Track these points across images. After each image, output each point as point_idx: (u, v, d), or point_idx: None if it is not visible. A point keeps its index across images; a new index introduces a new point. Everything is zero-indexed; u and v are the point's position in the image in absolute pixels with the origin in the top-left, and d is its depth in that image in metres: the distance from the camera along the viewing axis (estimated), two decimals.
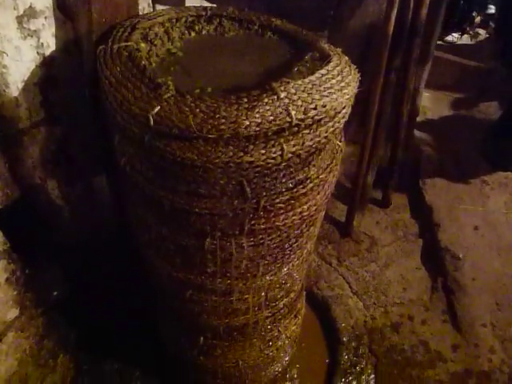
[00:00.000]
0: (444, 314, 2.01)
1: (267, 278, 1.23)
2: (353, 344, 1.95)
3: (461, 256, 2.14)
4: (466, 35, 3.61)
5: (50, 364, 1.46)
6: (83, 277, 1.49)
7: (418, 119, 2.80)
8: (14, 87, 1.01)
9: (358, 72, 1.03)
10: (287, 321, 1.54)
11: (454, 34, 3.58)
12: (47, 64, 1.06)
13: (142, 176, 0.98)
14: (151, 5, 1.47)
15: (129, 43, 0.99)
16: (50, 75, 1.08)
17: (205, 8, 1.22)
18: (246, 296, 1.28)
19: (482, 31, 3.76)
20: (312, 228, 1.23)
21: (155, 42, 1.08)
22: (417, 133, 2.77)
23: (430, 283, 2.13)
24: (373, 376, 1.85)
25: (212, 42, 1.18)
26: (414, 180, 2.56)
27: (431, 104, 2.94)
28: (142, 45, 1.03)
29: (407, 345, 1.92)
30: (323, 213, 1.28)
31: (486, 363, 1.81)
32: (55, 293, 1.41)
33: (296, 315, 1.59)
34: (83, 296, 1.52)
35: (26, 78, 1.03)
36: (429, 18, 2.06)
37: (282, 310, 1.46)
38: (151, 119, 0.84)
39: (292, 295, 1.46)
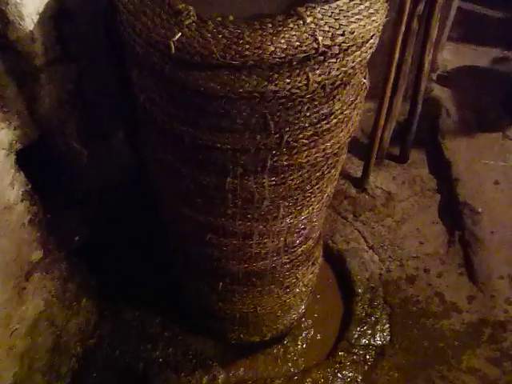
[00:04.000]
0: (460, 267, 2.00)
1: (287, 220, 1.22)
2: (368, 295, 1.97)
3: (480, 210, 2.11)
4: None
5: (74, 307, 1.51)
6: (103, 222, 1.51)
7: (439, 72, 2.71)
8: (29, 20, 0.98)
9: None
10: (305, 268, 1.55)
11: None
12: None
13: (162, 111, 0.96)
14: None
15: None
16: (64, 8, 1.04)
17: None
18: (266, 240, 1.28)
19: None
20: (333, 171, 1.21)
21: None
22: (437, 86, 2.68)
23: (446, 237, 2.12)
24: (387, 326, 1.87)
25: None
26: (433, 135, 2.50)
27: (452, 57, 2.83)
28: None
29: (422, 296, 1.93)
30: (345, 156, 1.25)
31: (501, 314, 1.82)
32: (77, 237, 1.43)
33: (313, 263, 1.60)
34: (104, 242, 1.55)
35: (40, 11, 1.00)
36: None
37: (300, 257, 1.46)
38: (172, 46, 0.81)
39: (310, 242, 1.46)
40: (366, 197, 2.32)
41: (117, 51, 1.07)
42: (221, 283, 1.47)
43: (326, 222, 2.17)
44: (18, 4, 0.95)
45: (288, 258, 1.41)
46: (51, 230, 1.30)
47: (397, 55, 2.01)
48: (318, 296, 1.99)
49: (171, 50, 0.81)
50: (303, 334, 1.86)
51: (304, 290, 1.65)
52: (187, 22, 0.82)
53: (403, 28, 1.96)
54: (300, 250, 1.42)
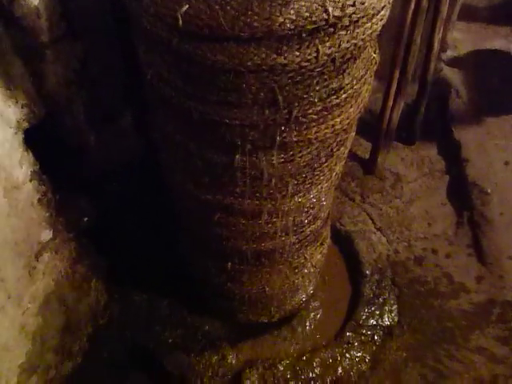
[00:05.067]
0: (469, 248, 2.00)
1: (296, 199, 1.22)
2: (376, 277, 1.97)
3: (489, 191, 2.09)
4: None
5: (84, 287, 1.52)
6: (112, 203, 1.51)
7: (449, 53, 2.66)
8: None
9: None
10: (313, 248, 1.55)
11: None
12: None
13: (169, 86, 0.95)
14: None
15: None
16: None
17: None
18: (275, 219, 1.28)
19: None
20: (342, 148, 1.20)
21: None
22: (446, 67, 2.63)
23: (455, 218, 2.11)
24: (395, 306, 1.88)
25: None
26: (442, 116, 2.46)
27: (463, 36, 2.77)
28: None
29: (430, 277, 1.93)
30: (353, 133, 1.24)
31: (510, 294, 1.82)
32: (85, 219, 1.44)
33: (322, 243, 1.60)
34: (112, 223, 1.55)
35: None
36: None
37: (309, 237, 1.46)
38: (180, 19, 0.80)
39: (319, 222, 1.45)
40: (374, 178, 2.31)
41: (123, 27, 1.05)
42: (229, 263, 1.47)
43: (333, 204, 2.17)
44: None
45: (297, 238, 1.41)
46: (60, 211, 1.31)
47: (405, 34, 1.97)
48: (326, 277, 1.99)
49: (178, 22, 0.80)
50: (311, 315, 1.87)
51: (312, 270, 1.66)
52: None
53: (413, 5, 1.92)
54: (308, 229, 1.42)
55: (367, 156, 2.32)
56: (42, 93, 1.10)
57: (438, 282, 1.91)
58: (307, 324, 1.85)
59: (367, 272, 1.97)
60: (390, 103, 2.18)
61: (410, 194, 2.22)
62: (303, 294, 1.77)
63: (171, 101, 0.96)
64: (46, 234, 1.27)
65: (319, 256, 1.64)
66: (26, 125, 1.09)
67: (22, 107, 1.06)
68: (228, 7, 0.79)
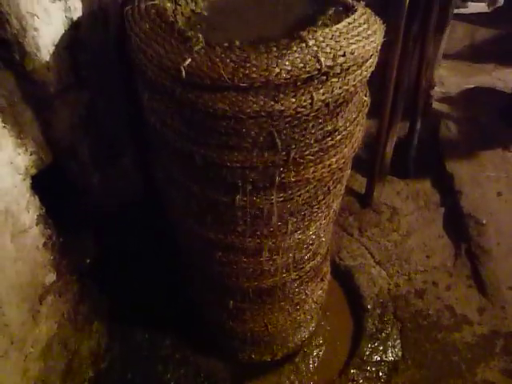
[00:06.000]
0: (469, 279, 2.01)
1: (296, 236, 1.25)
2: (377, 311, 1.96)
3: (484, 222, 2.12)
4: (483, 3, 3.53)
5: (86, 329, 1.51)
6: (114, 244, 1.53)
7: (437, 89, 2.77)
8: (45, 51, 1.04)
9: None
10: (314, 284, 1.56)
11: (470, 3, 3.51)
12: (75, 27, 1.08)
13: (173, 132, 1.00)
14: None
15: (155, 1, 1.01)
16: (78, 38, 1.10)
17: None
18: (275, 256, 1.30)
19: None
20: (339, 186, 1.24)
21: (180, 2, 1.09)
22: (435, 103, 2.74)
23: (453, 250, 2.13)
24: (399, 341, 1.86)
25: (234, 1, 1.18)
26: (434, 149, 2.54)
27: (449, 74, 2.90)
28: (168, 4, 1.04)
29: (432, 310, 1.93)
30: (349, 171, 1.29)
31: None
32: (88, 260, 1.46)
33: (322, 279, 1.61)
34: (114, 263, 1.56)
35: (55, 42, 1.06)
36: None
37: (309, 273, 1.48)
38: (183, 71, 0.86)
39: (318, 258, 1.48)
40: (371, 212, 2.34)
41: (128, 76, 1.12)
42: (231, 301, 1.47)
43: (332, 239, 2.19)
44: (36, 36, 1.00)
45: (297, 275, 1.43)
46: (64, 253, 1.33)
47: (394, 74, 2.07)
48: (328, 313, 1.99)
49: (182, 74, 0.86)
50: (314, 352, 1.85)
51: (314, 306, 1.66)
52: (196, 48, 0.87)
53: (399, 48, 2.03)
54: (309, 265, 1.44)
55: (363, 191, 2.37)
56: (50, 139, 1.15)
57: (440, 315, 1.91)
58: (310, 361, 1.82)
59: (369, 306, 1.97)
60: (383, 139, 2.26)
61: (407, 226, 2.25)
62: (305, 331, 1.76)
63: (174, 144, 1.01)
64: (50, 277, 1.28)
65: (320, 292, 1.64)
66: (33, 171, 1.13)
67: (30, 154, 1.10)
68: (228, 60, 0.86)
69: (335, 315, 2.01)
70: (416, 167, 2.47)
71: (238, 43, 0.93)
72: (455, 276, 2.03)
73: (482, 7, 3.56)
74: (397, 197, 2.40)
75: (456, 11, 3.33)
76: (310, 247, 1.36)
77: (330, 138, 1.02)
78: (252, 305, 1.48)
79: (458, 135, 2.57)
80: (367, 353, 1.81)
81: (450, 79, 2.84)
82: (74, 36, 1.09)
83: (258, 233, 1.19)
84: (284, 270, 1.37)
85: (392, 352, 1.82)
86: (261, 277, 1.36)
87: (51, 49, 1.05)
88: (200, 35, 0.90)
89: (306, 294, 1.54)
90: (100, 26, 1.12)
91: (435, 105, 2.74)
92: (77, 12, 1.07)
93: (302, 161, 1.01)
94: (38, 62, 1.04)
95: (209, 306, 1.57)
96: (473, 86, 2.83)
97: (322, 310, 1.82)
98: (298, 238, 1.26)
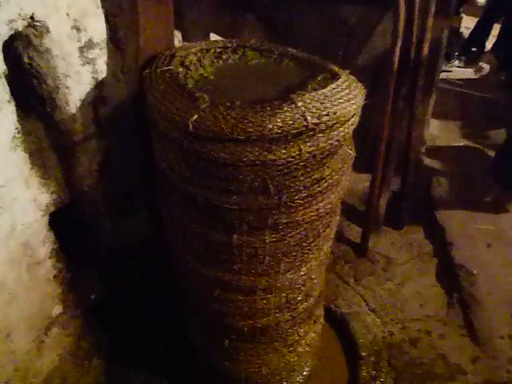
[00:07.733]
0: (461, 328, 2.04)
1: (288, 276, 1.34)
2: (372, 358, 1.98)
3: (475, 272, 2.19)
4: (470, 69, 3.84)
5: (85, 365, 1.56)
6: (118, 282, 1.61)
7: (428, 146, 2.95)
8: (73, 105, 1.21)
9: (366, 99, 1.18)
10: (307, 326, 1.62)
11: (458, 65, 3.85)
12: (99, 87, 1.26)
13: (179, 177, 1.14)
14: (181, 42, 1.71)
15: (170, 67, 1.18)
16: (101, 95, 1.27)
17: (230, 40, 1.43)
18: (269, 295, 1.39)
19: (485, 65, 3.98)
20: (328, 230, 1.35)
21: (190, 68, 1.27)
22: (426, 159, 2.90)
23: (446, 299, 2.18)
24: None
25: (237, 68, 1.37)
26: (426, 202, 2.66)
27: (440, 132, 3.09)
28: (180, 69, 1.23)
29: (426, 358, 1.95)
30: (338, 217, 1.40)
31: (505, 374, 1.82)
32: (93, 296, 1.54)
33: (315, 321, 1.67)
34: (117, 301, 1.64)
35: (82, 98, 1.23)
36: (431, 50, 2.26)
37: (302, 314, 1.54)
38: (190, 125, 1.01)
39: (311, 300, 1.55)
40: (367, 261, 2.42)
41: (142, 129, 1.28)
42: (227, 340, 1.53)
43: (328, 286, 2.25)
44: (67, 93, 1.18)
45: (290, 315, 1.49)
46: (71, 287, 1.42)
47: (386, 132, 2.25)
48: (322, 359, 2.00)
49: (189, 128, 1.01)
50: None
51: (307, 349, 1.70)
52: (202, 106, 1.03)
53: (390, 109, 2.22)
54: (302, 307, 1.51)
55: (359, 240, 2.47)
56: (69, 181, 1.29)
57: (434, 364, 1.92)
58: None
59: (363, 354, 1.99)
60: (377, 192, 2.40)
61: (401, 276, 2.32)
62: (299, 375, 1.78)
63: (180, 188, 1.15)
64: (57, 309, 1.36)
65: (314, 335, 1.69)
66: (52, 208, 1.26)
67: (51, 193, 1.24)
68: (229, 117, 1.01)
69: (330, 362, 2.02)
70: (409, 219, 2.58)
71: (238, 103, 1.09)
72: (448, 325, 2.07)
73: (469, 73, 3.87)
74: (391, 247, 2.48)
75: (444, 76, 3.62)
76: (302, 288, 1.44)
77: (317, 185, 1.15)
78: (247, 344, 1.54)
79: (448, 189, 2.70)
80: None
81: (439, 137, 3.03)
82: (98, 93, 1.27)
83: (253, 271, 1.29)
84: (277, 310, 1.45)
85: None
86: (255, 315, 1.44)
87: (78, 103, 1.22)
88: (206, 95, 1.06)
89: (299, 335, 1.60)
90: (121, 85, 1.30)
91: (427, 161, 2.90)
92: (102, 73, 1.26)
93: (292, 204, 1.13)
94: (66, 114, 1.21)
95: (206, 346, 1.62)
96: (462, 144, 3.01)
97: (316, 356, 1.85)
98: (291, 278, 1.35)
